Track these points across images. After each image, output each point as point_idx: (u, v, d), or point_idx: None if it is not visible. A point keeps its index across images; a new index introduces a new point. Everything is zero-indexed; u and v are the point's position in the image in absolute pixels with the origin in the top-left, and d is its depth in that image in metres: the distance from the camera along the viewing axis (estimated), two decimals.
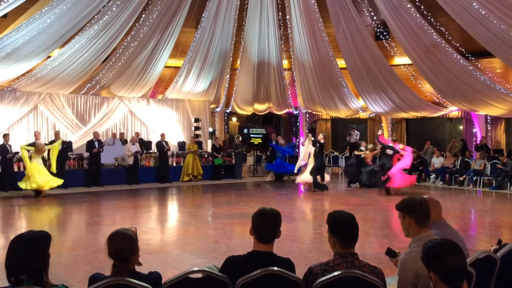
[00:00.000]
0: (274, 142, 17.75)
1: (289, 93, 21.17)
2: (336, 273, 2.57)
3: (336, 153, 19.35)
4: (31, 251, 2.36)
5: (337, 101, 19.93)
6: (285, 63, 20.49)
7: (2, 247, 7.04)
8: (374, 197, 12.61)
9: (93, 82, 16.93)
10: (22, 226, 8.80)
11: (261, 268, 2.63)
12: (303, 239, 7.51)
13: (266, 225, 2.87)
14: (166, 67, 18.20)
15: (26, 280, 2.31)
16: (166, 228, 8.84)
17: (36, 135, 13.89)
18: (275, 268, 2.64)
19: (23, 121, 15.95)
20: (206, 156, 17.48)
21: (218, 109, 21.09)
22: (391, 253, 3.20)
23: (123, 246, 2.64)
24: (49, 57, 15.31)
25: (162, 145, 15.83)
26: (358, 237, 2.76)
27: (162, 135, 16.23)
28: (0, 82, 15.24)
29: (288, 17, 18.18)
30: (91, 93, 17.28)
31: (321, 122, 23.17)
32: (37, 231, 2.49)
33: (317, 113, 22.27)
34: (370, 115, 20.71)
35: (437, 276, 2.15)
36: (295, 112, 22.52)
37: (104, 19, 14.80)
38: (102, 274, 2.68)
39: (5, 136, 13.37)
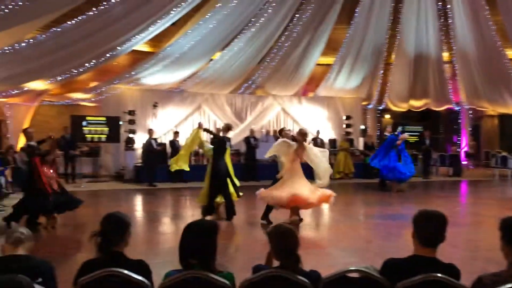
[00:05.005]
0: (428, 141, 16.67)
1: (450, 87, 19.73)
2: (509, 285, 2.30)
3: (504, 153, 17.37)
4: (203, 238, 2.55)
5: (506, 96, 18.03)
6: (445, 55, 19.13)
7: (171, 232, 7.84)
8: None
9: (249, 82, 17.87)
10: (189, 215, 9.66)
11: (423, 274, 2.48)
12: (466, 245, 6.91)
13: (431, 228, 2.71)
14: (317, 65, 18.35)
15: (196, 265, 2.50)
16: (317, 225, 8.90)
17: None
18: (439, 275, 2.47)
19: (188, 120, 17.41)
20: (357, 154, 17.17)
21: (370, 106, 20.58)
22: None
23: (294, 242, 2.72)
24: (211, 60, 16.57)
25: (316, 143, 16.03)
26: None
27: (317, 132, 16.49)
28: (170, 84, 16.96)
29: (449, 6, 16.92)
30: (247, 92, 18.27)
31: (486, 119, 21.20)
32: (208, 220, 2.70)
33: (482, 109, 20.38)
34: None
35: None
36: (456, 108, 20.89)
37: (260, 21, 15.49)
38: (262, 265, 2.80)
39: (175, 133, 14.94)
